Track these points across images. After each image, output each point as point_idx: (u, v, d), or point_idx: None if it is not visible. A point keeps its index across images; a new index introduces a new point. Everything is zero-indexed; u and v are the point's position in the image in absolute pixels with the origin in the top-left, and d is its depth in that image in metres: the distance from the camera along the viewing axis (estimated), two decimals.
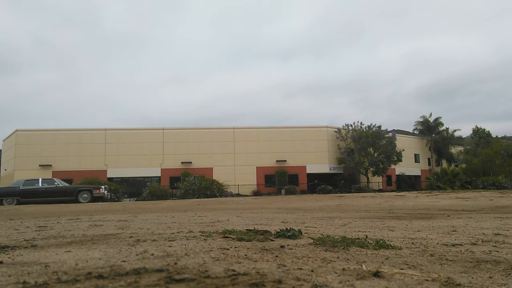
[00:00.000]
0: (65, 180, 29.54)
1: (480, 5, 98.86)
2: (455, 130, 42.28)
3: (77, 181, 24.17)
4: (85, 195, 17.20)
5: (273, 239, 2.45)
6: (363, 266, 1.61)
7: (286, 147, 33.46)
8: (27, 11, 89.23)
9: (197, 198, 20.12)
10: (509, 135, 51.54)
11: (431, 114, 42.40)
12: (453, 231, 3.11)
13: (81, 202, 16.71)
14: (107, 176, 30.37)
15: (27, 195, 17.37)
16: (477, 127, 46.40)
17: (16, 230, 3.45)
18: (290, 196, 19.72)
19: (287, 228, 2.69)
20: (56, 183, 18.01)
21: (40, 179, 18.41)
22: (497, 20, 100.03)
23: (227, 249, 2.02)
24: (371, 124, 34.14)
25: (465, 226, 3.54)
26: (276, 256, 1.82)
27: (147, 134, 32.88)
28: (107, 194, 18.70)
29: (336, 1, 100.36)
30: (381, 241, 2.24)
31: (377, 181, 34.87)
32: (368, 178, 33.54)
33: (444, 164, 41.76)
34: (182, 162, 32.18)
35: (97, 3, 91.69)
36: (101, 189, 17.61)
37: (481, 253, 2.03)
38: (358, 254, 1.92)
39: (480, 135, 45.37)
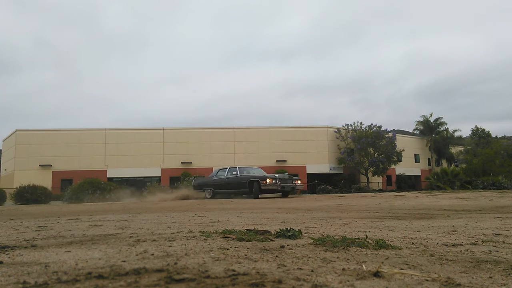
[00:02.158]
0: (65, 180, 29.70)
1: (480, 5, 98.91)
2: (455, 130, 42.29)
3: (77, 181, 24.15)
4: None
5: (273, 239, 2.45)
6: (363, 266, 1.61)
7: (286, 147, 33.46)
8: (27, 12, 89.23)
9: (197, 198, 20.11)
10: (509, 135, 51.50)
11: (431, 114, 42.41)
12: (453, 231, 3.11)
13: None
14: (107, 176, 30.39)
15: (217, 185, 15.72)
16: (476, 127, 46.40)
17: (16, 230, 3.45)
18: (290, 196, 19.69)
19: (287, 228, 2.69)
20: (235, 173, 15.43)
21: (228, 168, 16.11)
22: (497, 20, 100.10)
23: (227, 249, 2.02)
24: (371, 124, 34.17)
25: (465, 226, 3.54)
26: (276, 256, 1.82)
27: (147, 134, 32.89)
28: (279, 186, 14.61)
29: (336, 1, 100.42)
30: (381, 241, 2.24)
31: (377, 181, 34.88)
32: (368, 178, 33.55)
33: (444, 164, 41.75)
34: (182, 162, 32.19)
35: (97, 3, 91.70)
36: (266, 181, 14.18)
37: (481, 253, 2.03)
38: (358, 254, 1.92)
39: (480, 135, 45.35)
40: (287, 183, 14.96)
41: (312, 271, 1.50)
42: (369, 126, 34.08)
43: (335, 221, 4.16)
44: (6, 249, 2.15)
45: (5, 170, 33.40)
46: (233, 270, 1.48)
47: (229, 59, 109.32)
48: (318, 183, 28.78)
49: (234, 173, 15.49)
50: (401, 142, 35.87)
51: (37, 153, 30.88)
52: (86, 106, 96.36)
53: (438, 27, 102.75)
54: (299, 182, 15.70)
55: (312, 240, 2.34)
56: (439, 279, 1.40)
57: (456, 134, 42.27)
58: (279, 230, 2.68)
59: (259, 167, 32.51)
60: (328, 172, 33.56)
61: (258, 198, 13.88)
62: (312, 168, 33.27)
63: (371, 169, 33.56)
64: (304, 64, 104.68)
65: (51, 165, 30.94)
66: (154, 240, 2.44)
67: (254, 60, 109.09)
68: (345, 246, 2.13)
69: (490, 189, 22.80)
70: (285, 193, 15.36)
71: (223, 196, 15.46)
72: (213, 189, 15.86)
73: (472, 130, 46.77)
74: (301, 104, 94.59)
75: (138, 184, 30.66)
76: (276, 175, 14.83)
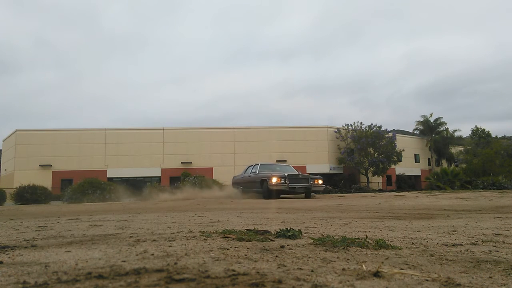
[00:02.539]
0: (65, 180, 29.70)
1: (480, 5, 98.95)
2: (455, 130, 42.33)
3: (77, 181, 24.13)
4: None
5: (273, 239, 2.45)
6: (363, 266, 1.61)
7: (286, 147, 33.48)
8: (27, 12, 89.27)
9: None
10: (509, 135, 51.53)
11: (431, 114, 42.44)
12: (453, 231, 3.11)
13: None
14: (107, 176, 30.40)
15: (244, 184, 14.63)
16: (476, 127, 46.40)
17: (16, 230, 3.45)
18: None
19: (287, 228, 2.69)
20: (254, 171, 13.92)
21: (253, 165, 14.52)
22: (497, 20, 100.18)
23: (227, 249, 2.02)
24: (371, 124, 34.17)
25: (465, 226, 3.54)
26: (276, 256, 1.82)
27: (147, 134, 32.90)
28: (288, 186, 12.64)
29: (336, 1, 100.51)
30: (381, 241, 2.24)
31: (377, 181, 34.90)
32: (368, 178, 33.57)
33: (444, 164, 41.76)
34: (182, 162, 32.20)
35: (97, 3, 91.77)
36: (272, 180, 12.56)
37: (481, 253, 2.03)
38: (358, 254, 1.92)
39: (480, 135, 45.36)
40: (301, 183, 13.08)
41: (312, 271, 1.50)
42: (369, 126, 34.09)
43: (335, 221, 4.16)
44: (6, 249, 2.15)
45: (5, 170, 33.42)
46: (233, 270, 1.48)
47: (229, 59, 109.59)
48: None
49: (254, 170, 14.18)
50: (401, 142, 35.87)
51: (37, 153, 30.88)
52: (86, 106, 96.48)
53: (438, 27, 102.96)
54: (320, 182, 13.58)
55: (312, 240, 2.34)
56: (439, 279, 1.40)
57: (456, 134, 42.34)
58: (279, 230, 2.68)
59: None
60: (328, 172, 33.57)
61: (268, 198, 12.43)
62: (312, 168, 33.24)
63: (371, 169, 33.57)
64: (304, 64, 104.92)
65: (51, 165, 30.94)
66: (154, 240, 2.44)
67: (254, 60, 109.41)
68: (345, 246, 2.13)
69: (490, 189, 22.79)
70: (307, 194, 13.51)
71: (250, 196, 13.94)
72: (241, 187, 14.86)
73: (472, 130, 46.79)
74: (301, 104, 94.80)
75: (138, 184, 30.69)
76: (286, 174, 12.95)
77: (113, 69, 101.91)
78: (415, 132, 43.74)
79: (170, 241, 2.41)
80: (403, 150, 35.47)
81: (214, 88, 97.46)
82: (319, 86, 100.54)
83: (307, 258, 1.78)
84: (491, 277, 1.47)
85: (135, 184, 30.87)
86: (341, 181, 31.06)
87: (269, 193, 12.74)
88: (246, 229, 2.96)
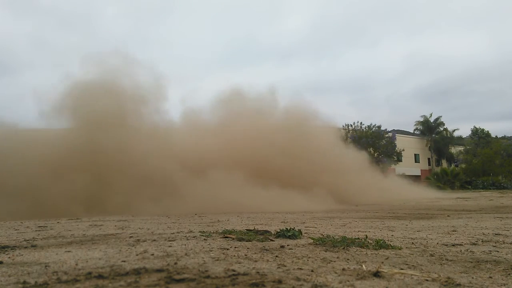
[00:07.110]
0: None
1: (480, 5, 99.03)
2: (454, 130, 42.30)
3: None
4: None
5: (273, 239, 2.45)
6: (363, 266, 1.61)
7: None
8: (27, 12, 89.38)
9: None
10: (509, 135, 51.49)
11: (431, 114, 42.39)
12: (453, 231, 3.11)
13: None
14: None
15: None
16: (475, 127, 46.37)
17: (16, 230, 3.45)
18: None
19: (287, 228, 2.69)
20: None
21: None
22: (497, 20, 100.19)
23: (227, 249, 2.02)
24: (371, 124, 34.11)
25: (465, 226, 3.54)
26: (276, 256, 1.82)
27: None
28: None
29: (336, 1, 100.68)
30: (381, 241, 2.24)
31: None
32: None
33: (444, 164, 41.76)
34: None
35: (97, 3, 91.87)
36: None
37: (481, 253, 2.03)
38: (358, 254, 1.92)
39: (479, 135, 45.35)
40: None
41: (312, 271, 1.50)
42: (369, 126, 34.04)
43: (335, 221, 4.16)
44: (6, 249, 2.15)
45: None
46: (233, 270, 1.48)
47: (229, 59, 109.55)
48: None
49: None
50: (401, 142, 35.82)
51: None
52: None
53: (438, 27, 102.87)
54: None
55: (312, 240, 2.34)
56: (439, 279, 1.40)
57: (456, 133, 42.25)
58: (279, 230, 2.68)
59: None
60: None
61: None
62: None
63: None
64: (303, 64, 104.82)
65: None
66: (154, 240, 2.44)
67: (254, 60, 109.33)
68: (345, 246, 2.13)
69: (490, 189, 22.79)
70: None
71: None
72: None
73: (472, 130, 46.75)
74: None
75: None
76: None
77: None
78: (415, 132, 43.72)
79: (170, 241, 2.41)
80: (403, 150, 35.41)
81: (213, 88, 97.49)
82: (319, 86, 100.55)
83: (307, 258, 1.78)
84: (491, 277, 1.47)
85: None
86: None
87: None
88: (246, 229, 2.96)
